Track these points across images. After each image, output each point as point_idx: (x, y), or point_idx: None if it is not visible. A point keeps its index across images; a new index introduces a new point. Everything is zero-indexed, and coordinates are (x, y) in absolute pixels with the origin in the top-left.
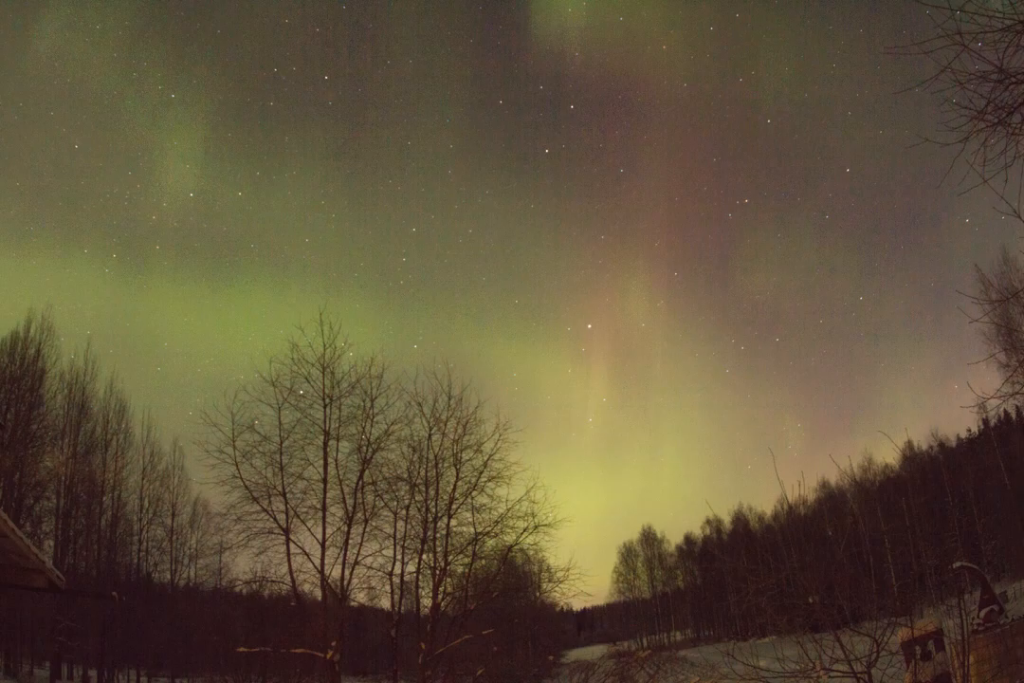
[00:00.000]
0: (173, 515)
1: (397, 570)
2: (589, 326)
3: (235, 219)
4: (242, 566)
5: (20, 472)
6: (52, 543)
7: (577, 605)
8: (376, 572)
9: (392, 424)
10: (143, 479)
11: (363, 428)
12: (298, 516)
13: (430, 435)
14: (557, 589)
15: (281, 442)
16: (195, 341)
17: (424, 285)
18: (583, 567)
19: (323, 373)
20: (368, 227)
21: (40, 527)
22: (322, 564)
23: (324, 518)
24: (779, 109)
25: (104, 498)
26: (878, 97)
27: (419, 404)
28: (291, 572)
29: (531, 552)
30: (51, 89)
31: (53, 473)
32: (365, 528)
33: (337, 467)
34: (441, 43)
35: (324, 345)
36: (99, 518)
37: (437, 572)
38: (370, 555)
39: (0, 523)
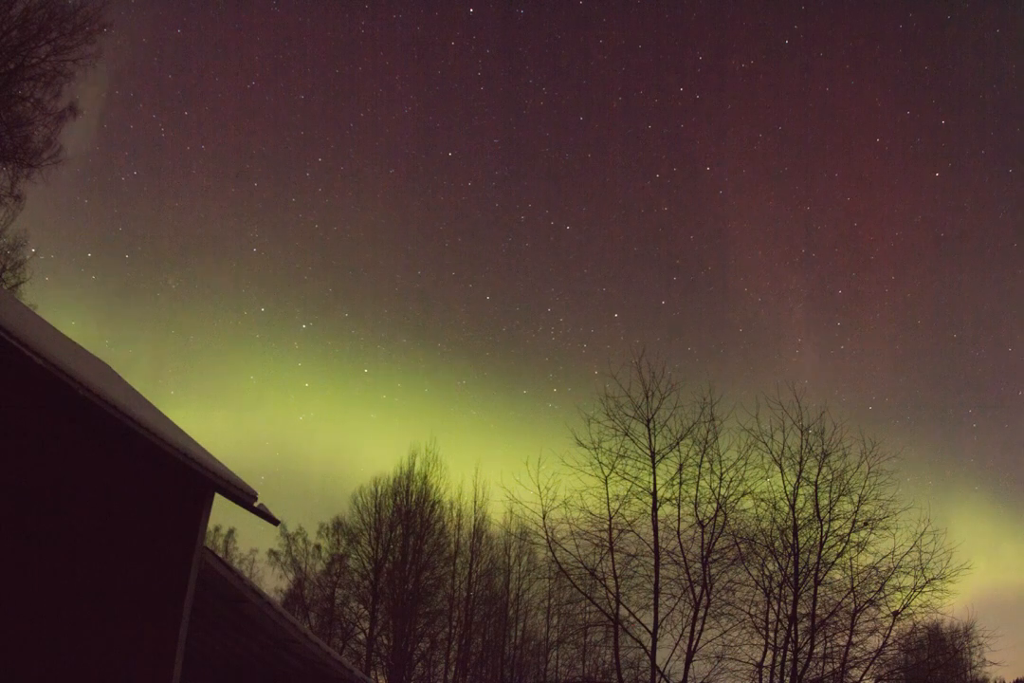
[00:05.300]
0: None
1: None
2: None
3: None
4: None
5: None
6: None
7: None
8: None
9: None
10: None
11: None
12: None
13: (797, 483)
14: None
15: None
16: None
17: None
18: (988, 626)
19: (647, 428)
20: None
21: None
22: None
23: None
24: None
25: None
26: None
27: (766, 444)
28: (618, 669)
29: (920, 617)
30: None
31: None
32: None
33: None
34: None
35: (645, 392)
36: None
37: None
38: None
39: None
